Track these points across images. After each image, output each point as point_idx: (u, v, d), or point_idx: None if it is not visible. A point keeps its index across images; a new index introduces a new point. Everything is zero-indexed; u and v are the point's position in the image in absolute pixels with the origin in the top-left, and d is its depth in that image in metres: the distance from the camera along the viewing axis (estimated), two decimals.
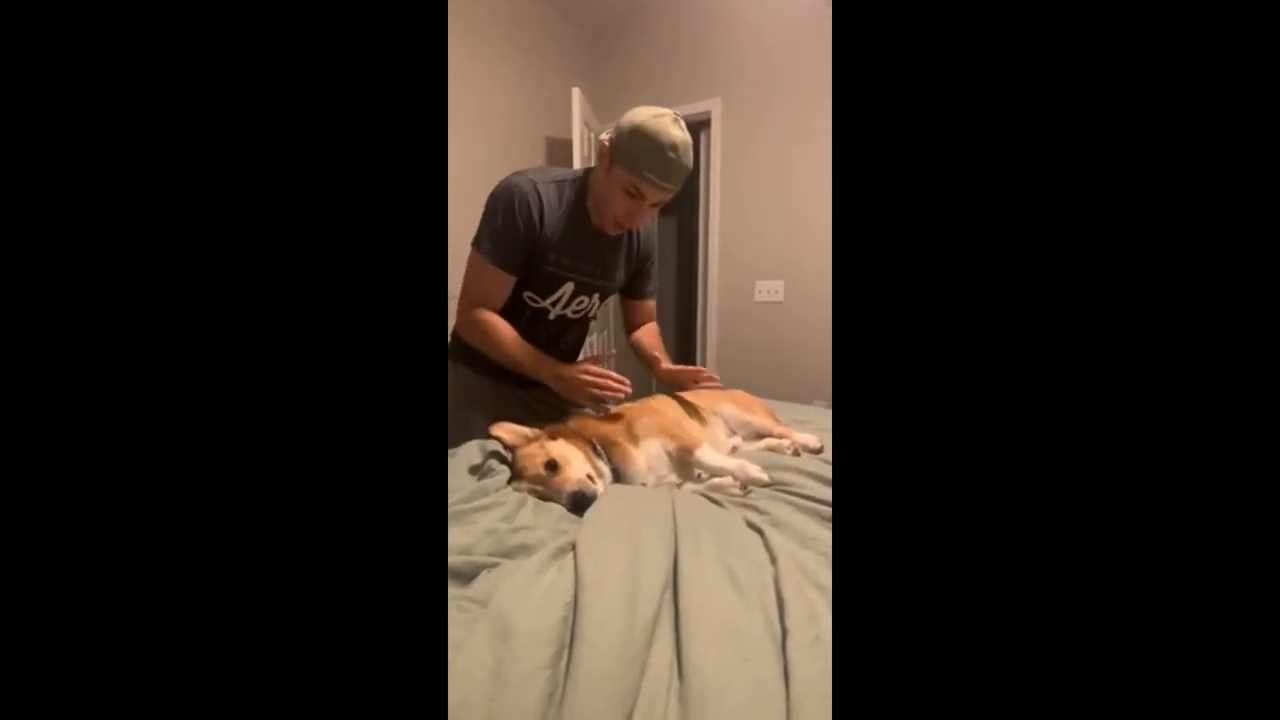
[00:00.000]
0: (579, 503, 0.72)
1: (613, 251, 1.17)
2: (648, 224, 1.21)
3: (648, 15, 3.12)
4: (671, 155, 0.98)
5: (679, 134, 0.98)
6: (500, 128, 2.84)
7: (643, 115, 0.98)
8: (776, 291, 2.77)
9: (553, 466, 0.79)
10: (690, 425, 1.01)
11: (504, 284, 1.08)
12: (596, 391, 1.02)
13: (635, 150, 0.98)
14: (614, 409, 1.04)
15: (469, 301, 1.10)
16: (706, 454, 0.89)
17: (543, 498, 0.76)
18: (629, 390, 1.02)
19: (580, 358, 1.38)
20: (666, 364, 1.21)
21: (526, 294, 1.13)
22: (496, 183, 1.07)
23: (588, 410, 1.12)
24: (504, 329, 1.10)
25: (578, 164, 2.62)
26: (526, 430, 0.89)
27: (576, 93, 2.69)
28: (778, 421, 1.16)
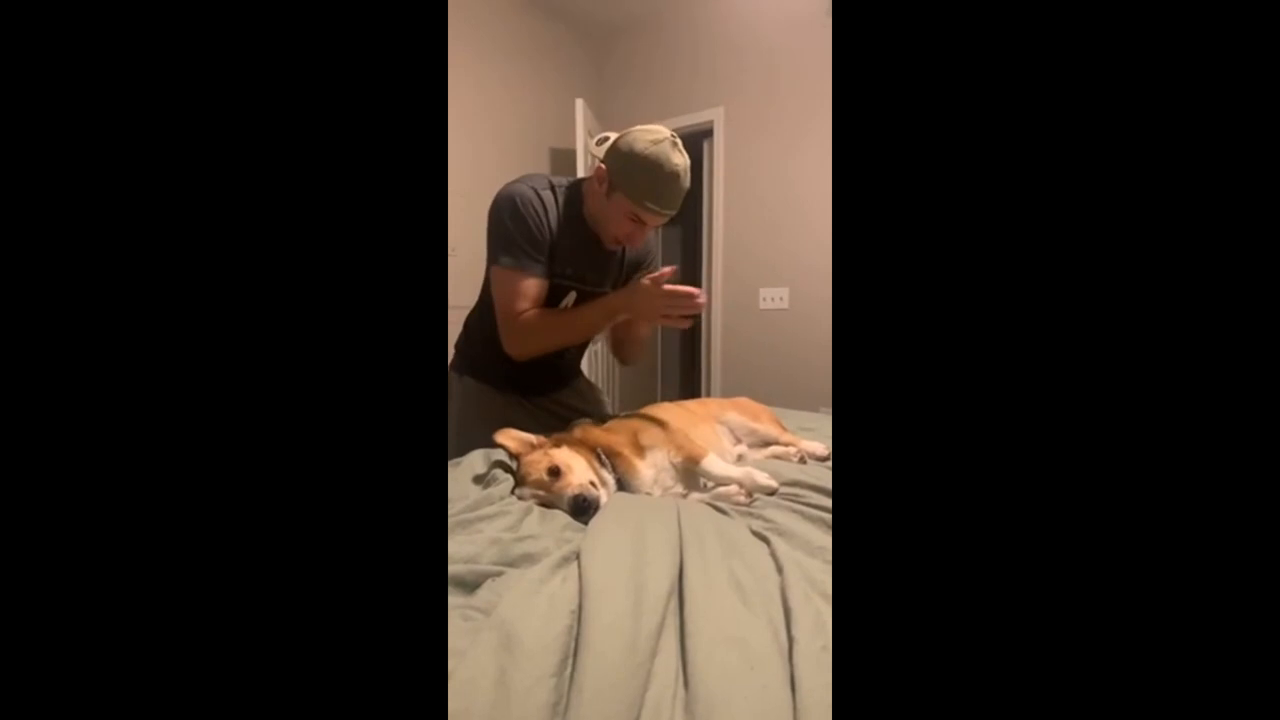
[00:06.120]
0: (579, 507, 0.72)
1: (609, 259, 1.17)
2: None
3: (650, 26, 3.15)
4: (674, 184, 0.97)
5: (680, 160, 0.96)
6: (504, 139, 2.86)
7: (642, 142, 0.96)
8: (781, 299, 2.77)
9: (555, 472, 0.78)
10: (696, 435, 1.00)
11: (538, 288, 1.04)
12: (671, 308, 0.96)
13: (637, 180, 0.96)
14: (617, 418, 1.04)
15: (508, 315, 1.03)
16: (713, 463, 0.89)
17: (546, 505, 0.75)
18: (703, 302, 0.98)
19: (584, 363, 1.38)
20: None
21: None
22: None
23: (591, 421, 1.11)
24: (556, 314, 1.06)
25: (581, 175, 2.64)
26: (531, 437, 0.89)
27: (580, 104, 2.71)
28: (784, 429, 1.16)
